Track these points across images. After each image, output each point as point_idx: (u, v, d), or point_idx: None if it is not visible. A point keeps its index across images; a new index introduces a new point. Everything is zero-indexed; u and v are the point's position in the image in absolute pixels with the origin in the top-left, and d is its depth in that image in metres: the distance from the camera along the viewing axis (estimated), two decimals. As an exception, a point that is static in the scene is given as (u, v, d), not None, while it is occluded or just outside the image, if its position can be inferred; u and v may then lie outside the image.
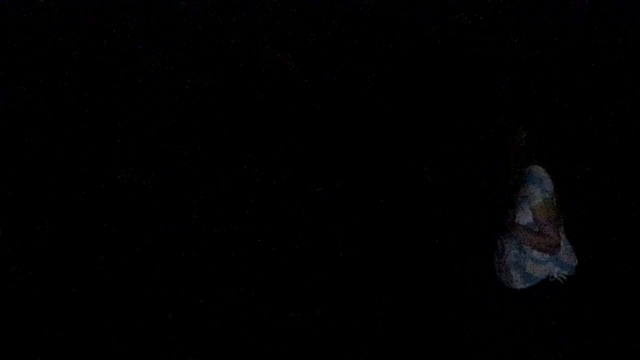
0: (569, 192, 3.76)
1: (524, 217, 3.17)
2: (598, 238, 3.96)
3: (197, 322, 3.62)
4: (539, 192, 3.11)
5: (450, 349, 3.72)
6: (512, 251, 3.21)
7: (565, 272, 3.21)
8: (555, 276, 3.20)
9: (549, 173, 3.15)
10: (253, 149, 3.82)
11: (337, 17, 3.97)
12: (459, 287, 3.82)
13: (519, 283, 3.21)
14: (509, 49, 3.99)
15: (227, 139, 3.81)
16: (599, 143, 4.04)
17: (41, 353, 3.41)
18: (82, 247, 3.54)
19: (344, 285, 3.83)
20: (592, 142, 4.04)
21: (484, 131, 3.21)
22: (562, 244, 3.20)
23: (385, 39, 3.99)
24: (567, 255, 3.23)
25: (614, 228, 4.03)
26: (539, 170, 3.14)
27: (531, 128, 3.19)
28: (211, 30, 3.80)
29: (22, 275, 3.41)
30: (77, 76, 3.62)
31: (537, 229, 3.16)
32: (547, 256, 3.20)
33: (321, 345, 3.73)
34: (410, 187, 3.83)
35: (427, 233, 3.86)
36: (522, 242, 3.18)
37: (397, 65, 3.98)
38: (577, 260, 3.24)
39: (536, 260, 3.22)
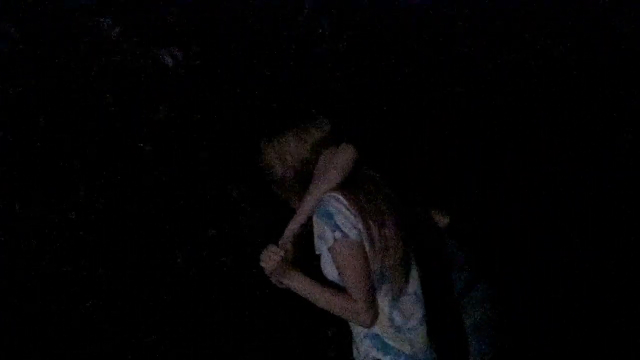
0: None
1: (331, 268, 2.20)
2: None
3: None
4: (329, 230, 2.14)
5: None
6: None
7: None
8: None
9: (360, 202, 2.15)
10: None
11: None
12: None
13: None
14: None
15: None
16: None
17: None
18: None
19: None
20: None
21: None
22: (385, 316, 2.17)
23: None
24: (397, 338, 2.19)
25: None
26: (331, 200, 2.15)
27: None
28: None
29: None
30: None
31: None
32: (365, 330, 2.20)
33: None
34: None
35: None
36: (312, 301, 2.19)
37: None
38: (430, 354, 2.21)
39: (357, 331, 2.25)
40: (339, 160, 2.19)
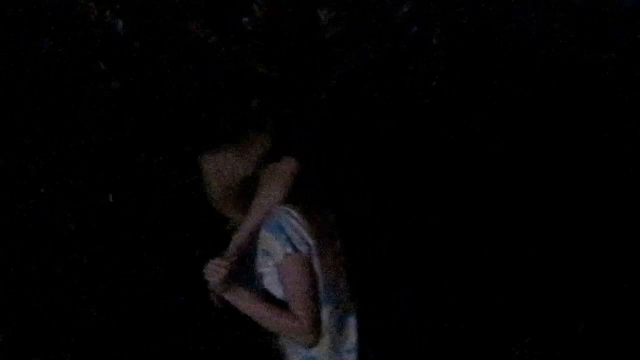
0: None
1: (276, 285, 2.10)
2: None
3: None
4: (278, 245, 2.05)
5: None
6: None
7: None
8: None
9: (313, 216, 2.09)
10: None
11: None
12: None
13: None
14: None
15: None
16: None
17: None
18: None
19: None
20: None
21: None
22: (327, 336, 2.10)
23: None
24: (333, 358, 2.12)
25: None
26: (282, 213, 2.07)
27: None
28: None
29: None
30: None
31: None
32: (302, 351, 2.13)
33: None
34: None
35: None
36: (255, 319, 2.10)
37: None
38: None
39: (294, 350, 2.17)
40: (282, 174, 2.10)
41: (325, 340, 2.10)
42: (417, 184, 3.64)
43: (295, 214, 2.07)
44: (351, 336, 2.14)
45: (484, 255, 3.66)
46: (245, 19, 3.50)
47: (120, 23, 3.38)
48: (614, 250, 3.77)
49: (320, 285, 2.09)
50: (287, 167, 2.12)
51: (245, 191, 2.15)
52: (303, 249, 2.05)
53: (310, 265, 2.07)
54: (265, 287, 2.14)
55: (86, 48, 3.38)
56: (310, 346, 2.07)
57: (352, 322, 2.15)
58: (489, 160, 3.73)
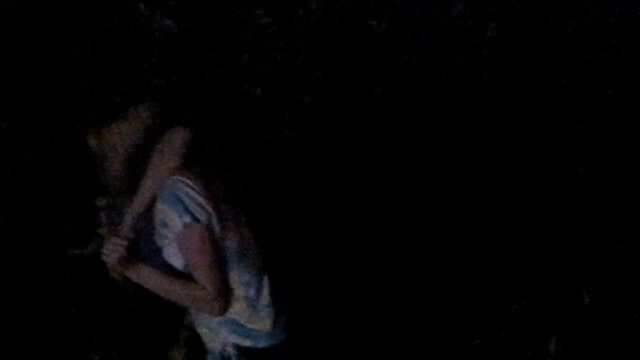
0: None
1: (177, 256, 2.06)
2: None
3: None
4: (176, 216, 1.99)
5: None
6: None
7: (249, 344, 2.10)
8: (229, 350, 2.13)
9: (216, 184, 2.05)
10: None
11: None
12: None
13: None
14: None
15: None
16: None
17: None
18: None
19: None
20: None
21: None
22: (241, 296, 2.07)
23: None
24: (255, 317, 2.11)
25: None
26: (177, 183, 2.01)
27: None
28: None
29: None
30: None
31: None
32: (219, 318, 2.10)
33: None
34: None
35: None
36: (159, 293, 2.05)
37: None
38: (282, 333, 2.13)
39: (205, 325, 2.18)
40: (175, 142, 2.05)
41: (241, 298, 2.08)
42: (416, 184, 3.63)
43: (190, 183, 2.02)
44: (266, 294, 2.12)
45: (484, 255, 3.67)
46: (301, 12, 3.47)
47: (171, 23, 3.35)
48: (614, 251, 3.77)
49: (226, 251, 2.05)
50: (179, 136, 2.06)
51: (139, 162, 2.09)
52: (202, 217, 2.00)
53: (211, 234, 2.02)
54: (166, 259, 2.09)
55: (136, 49, 3.35)
56: (219, 313, 2.06)
57: (265, 280, 2.12)
58: (489, 160, 3.73)
